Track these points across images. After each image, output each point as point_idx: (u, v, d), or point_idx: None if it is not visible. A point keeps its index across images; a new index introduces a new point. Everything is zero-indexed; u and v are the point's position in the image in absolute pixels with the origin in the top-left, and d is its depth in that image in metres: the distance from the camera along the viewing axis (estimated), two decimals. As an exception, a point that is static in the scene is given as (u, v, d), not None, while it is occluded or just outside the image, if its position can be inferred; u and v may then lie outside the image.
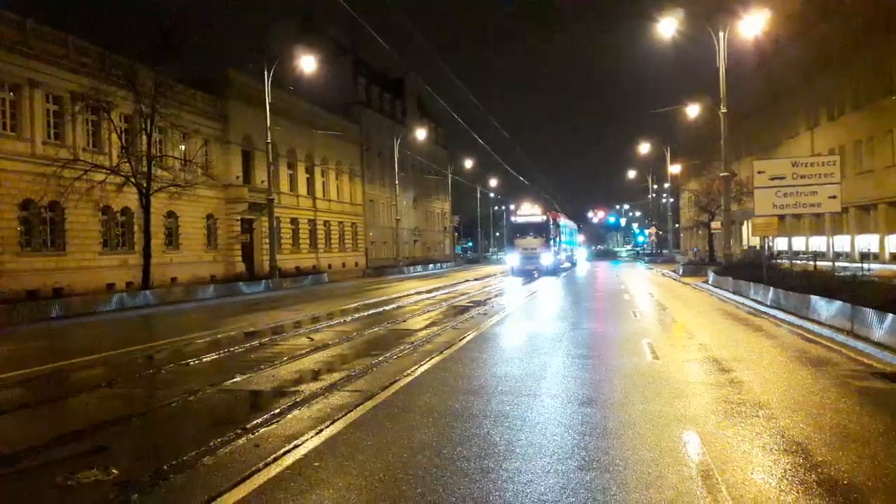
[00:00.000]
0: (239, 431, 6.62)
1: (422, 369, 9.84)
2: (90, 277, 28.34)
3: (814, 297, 14.53)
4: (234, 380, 9.39)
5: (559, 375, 9.40)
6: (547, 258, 39.54)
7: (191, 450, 6.00)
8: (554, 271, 40.25)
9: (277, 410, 7.47)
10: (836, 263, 27.43)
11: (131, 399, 8.63)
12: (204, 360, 11.34)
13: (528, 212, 41.47)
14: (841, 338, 11.90)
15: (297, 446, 6.08)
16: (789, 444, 5.96)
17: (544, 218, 40.77)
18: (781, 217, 26.18)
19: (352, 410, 7.39)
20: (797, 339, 12.46)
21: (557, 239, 42.97)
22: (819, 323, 13.53)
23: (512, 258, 40.90)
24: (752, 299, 19.51)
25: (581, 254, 66.47)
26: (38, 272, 26.27)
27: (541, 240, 39.78)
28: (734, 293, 22.02)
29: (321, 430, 6.60)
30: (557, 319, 16.89)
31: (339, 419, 7.01)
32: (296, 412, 7.45)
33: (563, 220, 51.44)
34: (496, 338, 13.81)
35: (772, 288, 18.13)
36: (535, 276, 37.62)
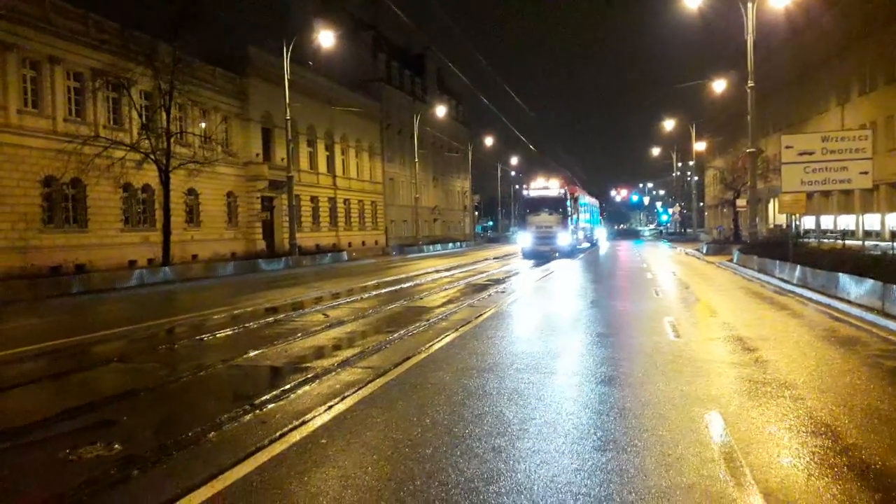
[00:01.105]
0: (247, 407, 6.49)
1: (437, 346, 9.66)
2: (112, 254, 28.55)
3: (842, 276, 14.08)
4: (247, 355, 9.28)
5: (577, 353, 9.16)
6: (564, 238, 35.19)
7: (197, 425, 5.89)
8: (571, 252, 36.09)
9: (287, 386, 7.34)
10: (867, 242, 26.75)
11: (142, 374, 8.55)
12: (218, 335, 11.26)
13: (543, 185, 36.87)
14: (871, 317, 11.49)
15: (304, 422, 5.93)
16: (817, 426, 5.68)
17: (561, 192, 36.12)
18: (810, 195, 25.56)
19: (363, 387, 7.23)
20: (824, 318, 12.08)
21: (576, 216, 38.84)
22: (848, 301, 13.10)
23: (524, 238, 36.50)
24: (778, 277, 19.04)
25: (602, 233, 62.37)
26: (61, 248, 26.49)
27: (557, 217, 35.31)
28: (759, 272, 21.53)
29: (331, 407, 6.44)
30: (577, 297, 16.61)
31: (349, 395, 6.85)
32: (306, 388, 7.30)
33: (583, 196, 47.17)
34: (513, 315, 13.59)
35: (798, 266, 17.64)
36: (551, 258, 33.40)
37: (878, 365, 8.18)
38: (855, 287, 13.18)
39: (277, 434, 5.59)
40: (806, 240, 32.82)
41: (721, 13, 37.89)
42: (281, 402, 6.72)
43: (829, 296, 14.20)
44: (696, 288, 18.45)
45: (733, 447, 5.11)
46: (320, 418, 6.07)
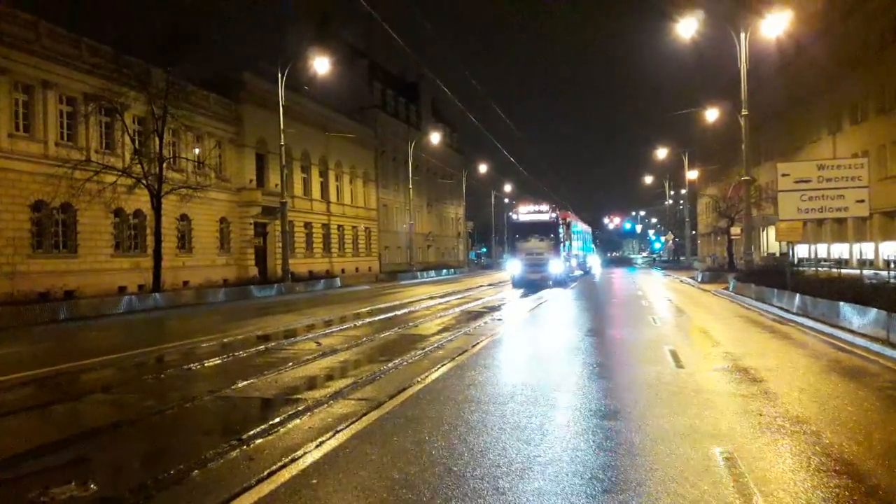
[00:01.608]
0: (234, 443, 6.13)
1: (433, 376, 9.33)
2: (102, 280, 28.10)
3: (843, 305, 13.85)
4: (235, 386, 8.92)
5: (578, 385, 8.85)
6: (556, 265, 32.49)
7: (180, 462, 5.53)
8: (564, 281, 33.48)
9: (277, 420, 6.98)
10: (865, 271, 26.63)
11: (124, 406, 8.18)
12: (206, 364, 10.89)
13: (533, 209, 34.39)
14: (876, 347, 11.24)
15: (294, 460, 5.58)
16: (838, 465, 5.37)
17: (552, 216, 33.54)
18: (805, 223, 25.47)
19: (356, 420, 6.89)
20: (828, 348, 11.81)
21: (568, 243, 36.48)
22: (851, 331, 12.85)
23: (513, 265, 33.46)
24: (777, 306, 18.81)
25: (595, 260, 60.85)
26: (50, 274, 26.01)
27: (548, 243, 32.62)
28: (757, 300, 21.30)
29: (322, 443, 6.10)
30: (574, 326, 16.30)
31: (341, 430, 6.51)
32: (296, 421, 6.95)
33: (576, 222, 45.08)
34: (510, 344, 13.27)
35: (798, 295, 17.42)
36: (544, 286, 31.19)
37: (891, 397, 7.90)
38: (858, 317, 12.94)
39: (265, 473, 5.24)
40: (801, 268, 32.73)
41: (714, 43, 38.27)
42: (270, 437, 6.37)
43: (831, 325, 13.95)
44: (695, 316, 18.19)
45: (752, 489, 4.80)
46: (311, 455, 5.73)
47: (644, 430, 6.44)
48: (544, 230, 32.99)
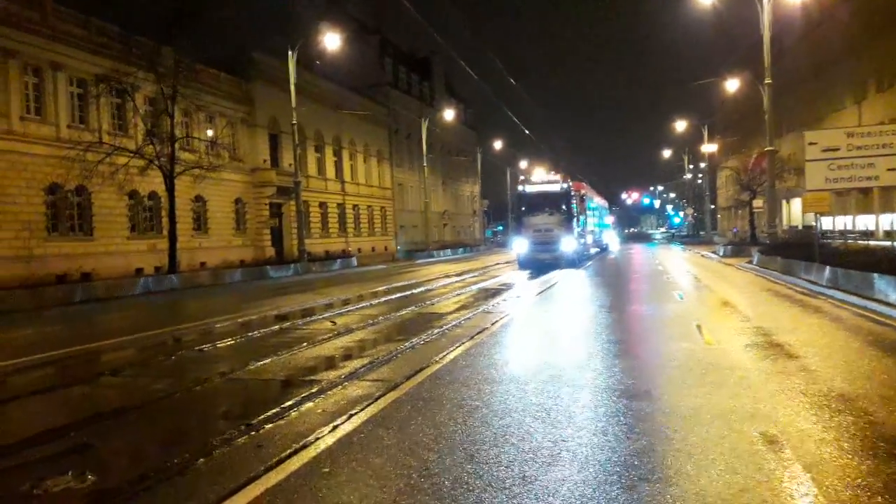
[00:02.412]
0: (243, 428, 5.81)
1: (451, 356, 8.96)
2: (118, 262, 28.04)
3: (879, 277, 13.27)
4: (248, 367, 8.62)
5: (603, 363, 8.43)
6: (568, 242, 28.60)
7: (185, 451, 5.22)
8: (577, 261, 29.46)
9: (289, 403, 6.66)
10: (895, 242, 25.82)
11: (132, 389, 7.91)
12: (218, 345, 10.61)
13: (543, 179, 31.24)
14: (917, 320, 10.71)
15: (305, 446, 5.25)
16: (894, 447, 4.93)
17: (564, 187, 29.61)
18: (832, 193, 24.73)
19: (372, 403, 6.54)
20: (864, 322, 11.28)
21: (583, 218, 32.70)
22: (887, 304, 12.30)
23: (519, 244, 29.71)
24: (805, 279, 18.21)
25: (612, 237, 57.32)
26: (66, 257, 25.97)
27: (559, 217, 28.76)
28: (783, 273, 20.70)
29: (336, 427, 5.76)
30: (596, 301, 15.86)
31: (356, 413, 6.17)
32: (309, 404, 6.62)
33: (592, 195, 41.35)
34: (531, 321, 12.87)
35: (828, 267, 16.81)
36: (553, 266, 27.49)
37: (940, 373, 7.41)
38: (894, 289, 12.38)
39: (275, 461, 4.91)
40: (827, 240, 31.93)
41: (734, 10, 37.14)
42: (280, 422, 6.04)
43: (866, 298, 13.38)
44: (720, 290, 17.66)
45: (801, 475, 4.39)
46: (324, 441, 5.39)
47: (678, 412, 6.03)
48: (555, 203, 29.16)
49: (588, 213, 36.19)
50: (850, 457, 4.76)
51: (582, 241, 32.22)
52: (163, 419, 6.66)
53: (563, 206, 29.11)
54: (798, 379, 7.23)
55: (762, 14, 26.67)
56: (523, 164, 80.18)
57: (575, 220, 29.49)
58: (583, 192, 33.93)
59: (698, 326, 10.96)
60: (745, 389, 6.82)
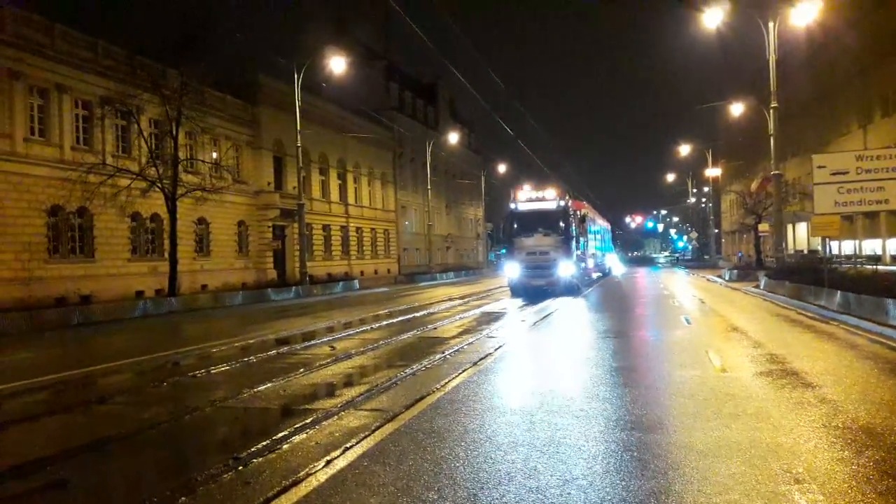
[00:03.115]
0: (230, 462, 5.46)
1: (453, 384, 8.60)
2: (119, 284, 27.78)
3: (893, 302, 12.91)
4: (241, 395, 8.27)
5: (614, 392, 8.07)
6: (566, 267, 25.15)
7: (167, 487, 4.87)
8: (576, 287, 26.17)
9: (281, 434, 6.30)
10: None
11: (120, 418, 7.56)
12: (213, 371, 10.27)
13: (536, 195, 26.67)
14: (936, 348, 10.32)
15: (296, 483, 4.89)
16: (931, 489, 4.56)
17: (561, 204, 25.97)
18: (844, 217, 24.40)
19: (369, 435, 6.19)
20: (883, 349, 10.89)
21: (583, 240, 29.48)
22: (904, 330, 11.93)
23: (510, 268, 26.13)
24: (815, 304, 17.82)
25: (614, 260, 55.01)
26: (66, 279, 25.75)
27: (555, 238, 25.31)
28: (792, 298, 20.31)
29: (329, 462, 5.41)
30: (603, 326, 15.50)
31: (351, 447, 5.81)
32: (303, 436, 6.27)
33: (593, 215, 38.03)
34: (536, 348, 12.51)
35: (839, 292, 16.45)
36: (549, 293, 24.77)
37: (969, 405, 7.03)
38: (912, 314, 12.02)
39: (261, 500, 4.56)
40: (833, 265, 31.57)
41: (739, 36, 37.17)
42: (271, 456, 5.69)
43: (880, 324, 13.00)
44: (729, 315, 17.26)
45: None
46: (316, 477, 5.03)
47: (693, 446, 5.66)
48: (551, 222, 25.65)
49: (590, 235, 33.44)
50: (885, 499, 4.39)
51: (582, 265, 29.12)
52: (147, 452, 6.31)
53: (561, 226, 25.66)
54: (819, 410, 6.86)
55: (768, 38, 26.57)
56: (527, 187, 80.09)
57: (574, 241, 26.18)
58: (584, 211, 31.11)
59: (709, 354, 10.58)
60: (763, 422, 6.45)
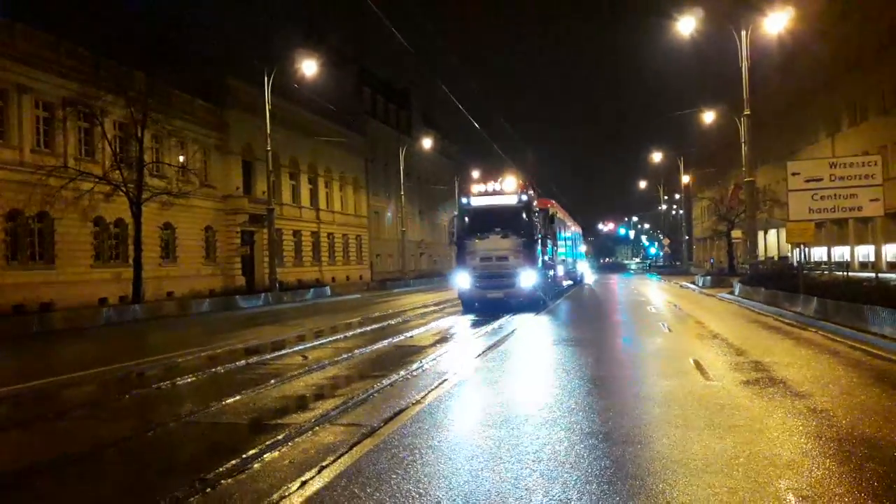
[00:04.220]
0: (196, 485, 5.01)
1: (432, 395, 8.24)
2: (81, 291, 26.79)
3: (874, 308, 12.88)
4: (208, 409, 7.80)
5: (599, 403, 7.77)
6: (528, 277, 20.73)
7: (123, 515, 4.42)
8: (541, 301, 21.77)
9: (252, 452, 5.87)
10: (883, 274, 25.74)
11: (77, 434, 7.04)
12: (178, 382, 9.74)
13: (491, 188, 22.17)
14: (918, 354, 10.24)
15: (268, 509, 4.49)
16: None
17: (524, 199, 21.55)
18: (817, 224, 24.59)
19: (346, 452, 5.79)
20: (864, 356, 10.78)
21: (550, 242, 25.34)
22: (883, 336, 11.87)
23: (461, 277, 21.41)
24: (791, 310, 17.82)
25: (586, 267, 52.30)
26: (26, 286, 24.73)
27: (515, 240, 20.93)
28: (767, 304, 20.33)
29: (305, 482, 5.00)
30: (583, 333, 15.27)
31: (328, 465, 5.41)
32: (275, 454, 5.85)
33: (563, 216, 33.79)
34: (517, 356, 12.18)
35: (815, 298, 16.45)
36: (510, 307, 20.68)
37: (961, 414, 6.87)
38: (891, 320, 11.97)
39: (229, 529, 4.15)
40: (804, 271, 31.91)
41: (712, 45, 37.51)
42: (241, 476, 5.26)
43: (859, 330, 12.95)
44: (707, 322, 17.16)
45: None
46: (290, 501, 4.63)
47: (689, 463, 5.35)
48: (510, 221, 21.23)
49: (559, 238, 29.85)
50: (898, 519, 4.14)
51: (550, 272, 25.55)
52: (106, 473, 5.81)
53: (523, 225, 21.21)
54: (812, 421, 6.65)
55: (741, 46, 26.79)
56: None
57: (539, 244, 21.97)
58: (553, 210, 27.45)
59: (694, 361, 10.37)
60: (757, 434, 6.20)
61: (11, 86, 25.19)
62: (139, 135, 25.74)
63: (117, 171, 25.01)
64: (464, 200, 22.42)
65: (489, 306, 21.05)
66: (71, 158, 26.59)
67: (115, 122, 28.21)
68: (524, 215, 21.42)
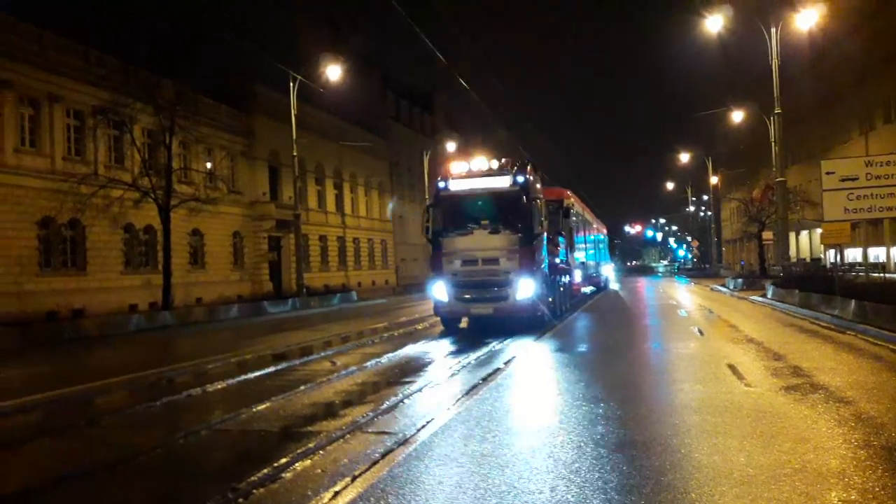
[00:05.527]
0: (229, 495, 4.94)
1: (467, 401, 8.09)
2: (112, 298, 27.17)
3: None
4: (238, 416, 7.76)
5: (636, 406, 7.57)
6: (525, 286, 15.62)
7: (156, 526, 4.36)
8: (542, 320, 16.46)
9: (284, 461, 5.79)
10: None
11: (109, 443, 7.04)
12: (209, 389, 9.73)
13: (476, 169, 16.76)
14: (966, 358, 9.86)
15: (301, 520, 4.40)
16: None
17: (519, 181, 16.07)
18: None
19: (380, 460, 5.69)
20: (909, 361, 10.43)
21: (562, 242, 20.44)
22: (928, 340, 11.49)
23: (438, 287, 16.40)
24: (827, 313, 17.36)
25: (610, 271, 48.22)
26: (58, 293, 25.13)
27: (507, 237, 15.91)
28: (802, 307, 19.86)
29: (338, 493, 4.91)
30: (615, 335, 15.04)
31: (361, 474, 5.31)
32: (306, 462, 5.77)
33: (583, 210, 29.16)
34: (553, 357, 11.98)
35: (853, 301, 16.01)
36: (499, 330, 15.64)
37: None
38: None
39: (263, 542, 4.06)
40: (839, 273, 31.19)
41: (739, 43, 36.99)
42: (273, 486, 5.18)
43: (902, 333, 12.56)
44: (742, 326, 16.78)
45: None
46: (323, 512, 4.54)
47: (732, 474, 5.14)
48: (502, 211, 16.14)
49: (577, 236, 25.66)
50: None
51: (563, 278, 20.49)
52: (138, 482, 5.78)
53: (519, 216, 15.94)
54: (859, 429, 6.39)
55: (770, 43, 26.30)
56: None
57: (543, 242, 16.82)
58: (569, 202, 22.95)
59: (729, 366, 10.11)
60: (802, 443, 5.96)
61: (43, 95, 25.67)
62: (167, 142, 26.05)
63: (146, 178, 25.31)
64: (440, 184, 16.84)
65: (475, 326, 17.07)
66: (101, 166, 27.02)
67: (144, 129, 28.58)
68: (521, 203, 15.90)
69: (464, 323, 17.17)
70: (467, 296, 16.08)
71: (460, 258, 16.14)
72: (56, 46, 26.19)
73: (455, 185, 16.61)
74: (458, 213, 16.39)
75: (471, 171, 16.75)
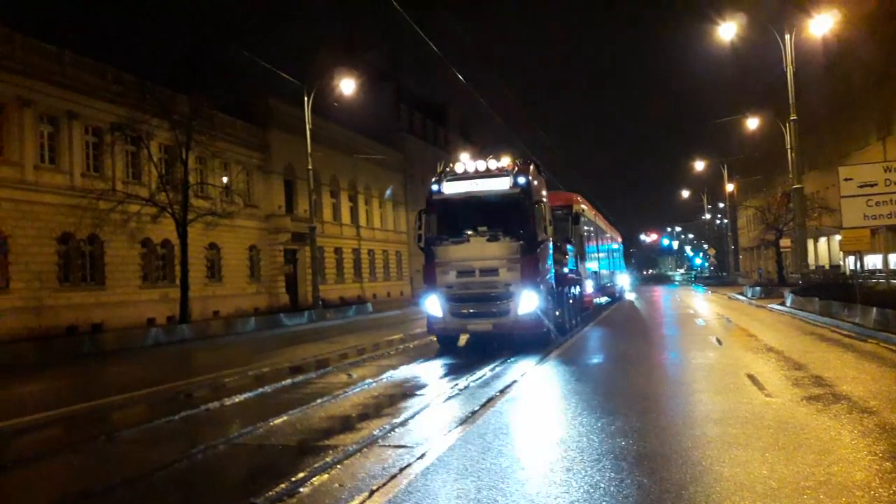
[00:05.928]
0: (245, 511, 4.95)
1: (483, 414, 8.05)
2: (130, 312, 27.38)
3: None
4: (256, 430, 7.76)
5: (655, 418, 7.48)
6: (528, 300, 14.15)
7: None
8: (547, 337, 14.99)
9: (301, 475, 5.78)
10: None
11: (127, 457, 7.06)
12: (226, 403, 9.76)
13: (473, 169, 15.33)
14: None
15: (319, 538, 4.38)
16: None
17: (520, 182, 14.53)
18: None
19: (398, 473, 5.66)
20: (934, 370, 10.25)
21: (571, 250, 19.47)
22: (953, 349, 11.29)
23: (431, 301, 15.08)
24: (848, 321, 17.14)
25: (625, 280, 46.87)
26: (77, 307, 25.37)
27: (507, 245, 14.41)
28: (822, 315, 19.63)
29: (355, 508, 4.89)
30: (630, 347, 14.91)
31: (378, 489, 5.28)
32: (324, 476, 5.75)
33: (594, 216, 28.10)
34: (572, 366, 11.88)
35: (875, 308, 15.79)
36: (500, 347, 14.46)
37: None
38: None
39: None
40: (858, 280, 30.78)
41: (754, 49, 36.79)
42: (291, 500, 5.18)
43: (925, 342, 12.36)
44: (761, 335, 16.59)
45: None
46: (341, 528, 4.52)
47: (754, 487, 5.06)
48: (502, 215, 14.66)
49: (588, 244, 24.42)
50: None
51: (573, 290, 19.18)
52: (157, 496, 5.80)
53: (521, 221, 14.43)
54: (884, 440, 6.28)
55: (785, 50, 26.16)
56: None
57: (549, 250, 15.50)
58: (579, 207, 22.24)
59: (749, 376, 9.99)
60: (826, 454, 5.87)
61: (62, 113, 26.00)
62: (184, 157, 26.30)
63: (163, 193, 25.57)
64: (434, 187, 15.51)
65: (473, 343, 15.90)
66: (119, 182, 27.27)
67: (161, 144, 28.88)
68: (523, 207, 14.41)
69: (461, 341, 16.06)
70: (464, 311, 14.64)
71: (455, 269, 14.69)
72: (74, 64, 26.56)
73: (449, 188, 15.16)
74: (453, 218, 14.96)
75: (467, 171, 15.28)
